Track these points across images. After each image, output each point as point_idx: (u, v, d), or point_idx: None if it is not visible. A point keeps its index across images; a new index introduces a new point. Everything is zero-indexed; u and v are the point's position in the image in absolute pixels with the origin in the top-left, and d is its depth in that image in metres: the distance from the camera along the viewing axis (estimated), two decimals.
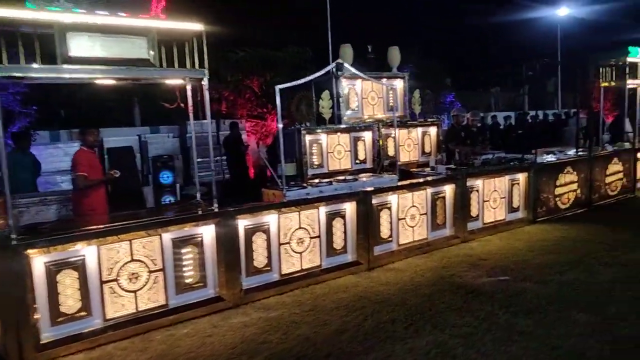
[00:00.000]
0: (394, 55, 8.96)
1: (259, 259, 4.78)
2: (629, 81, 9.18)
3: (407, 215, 6.00)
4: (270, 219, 4.86)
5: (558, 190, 7.69)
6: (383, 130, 8.62)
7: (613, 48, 10.16)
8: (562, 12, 27.14)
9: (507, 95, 31.10)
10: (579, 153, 8.30)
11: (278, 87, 5.14)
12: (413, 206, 6.06)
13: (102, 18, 3.75)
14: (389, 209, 5.80)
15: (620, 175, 8.87)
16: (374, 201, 5.61)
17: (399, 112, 9.08)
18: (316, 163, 7.86)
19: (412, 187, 6.03)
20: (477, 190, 6.76)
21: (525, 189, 7.36)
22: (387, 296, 4.60)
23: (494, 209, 7.02)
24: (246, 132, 15.65)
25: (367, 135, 8.38)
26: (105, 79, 4.19)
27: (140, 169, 14.40)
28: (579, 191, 8.05)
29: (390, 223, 5.83)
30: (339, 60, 5.61)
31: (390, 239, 5.84)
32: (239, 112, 16.95)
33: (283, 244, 4.95)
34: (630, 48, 9.20)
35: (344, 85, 8.21)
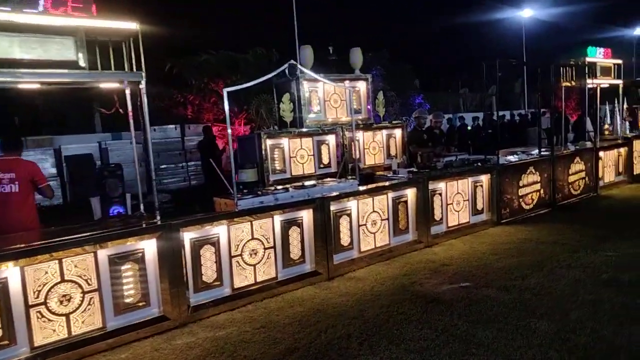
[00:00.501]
0: (357, 56, 8.79)
1: (208, 274, 4.48)
2: (588, 81, 9.26)
3: (368, 221, 5.79)
4: (219, 230, 4.56)
5: (521, 191, 7.64)
6: (347, 134, 8.45)
7: (575, 48, 10.27)
8: (526, 14, 27.73)
9: (476, 96, 31.57)
10: (542, 153, 8.29)
11: (226, 89, 4.86)
12: (374, 211, 5.86)
13: (19, 16, 3.41)
14: (349, 215, 5.58)
15: (583, 174, 8.91)
16: (332, 207, 5.38)
17: (363, 115, 8.95)
18: (278, 168, 7.61)
19: (372, 192, 5.83)
20: (440, 194, 6.62)
21: (489, 191, 7.27)
22: (345, 309, 4.37)
23: (458, 212, 6.89)
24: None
25: (331, 139, 8.18)
26: (28, 83, 3.82)
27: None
28: (542, 191, 8.02)
29: (350, 230, 5.61)
30: (292, 62, 5.36)
31: (350, 246, 5.62)
32: (205, 116, 16.54)
33: (234, 256, 4.66)
34: (589, 48, 9.28)
35: (305, 87, 8.00)
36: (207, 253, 4.46)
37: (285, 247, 5.04)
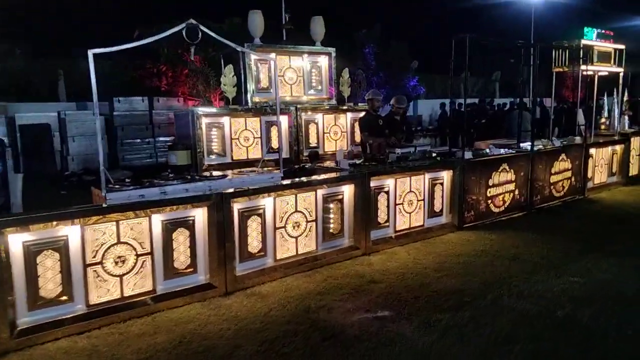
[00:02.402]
0: (318, 26, 7.68)
1: (49, 288, 3.51)
2: (583, 67, 8.09)
3: (288, 223, 4.79)
4: (69, 231, 3.58)
5: (491, 191, 6.59)
6: (303, 115, 7.42)
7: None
8: None
9: (478, 81, 30.06)
10: (526, 147, 7.18)
11: (91, 51, 3.81)
12: (297, 212, 4.85)
13: None
14: (261, 215, 4.58)
15: (568, 174, 7.82)
16: (238, 206, 4.38)
17: (324, 95, 7.89)
18: (216, 151, 6.65)
19: (296, 188, 4.82)
20: (387, 192, 5.59)
21: (450, 190, 6.23)
22: (218, 341, 3.41)
23: (409, 213, 5.87)
24: None
25: (283, 120, 7.15)
26: None
27: (60, 149, 12.89)
28: (516, 192, 6.97)
29: (263, 233, 4.61)
30: (191, 21, 4.28)
31: (262, 253, 4.63)
32: (180, 89, 15.48)
33: (91, 264, 3.69)
34: (585, 29, 8.09)
35: (253, 59, 6.95)
36: (48, 261, 3.49)
37: (167, 253, 4.05)
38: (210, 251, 4.22)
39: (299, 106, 7.23)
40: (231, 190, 4.35)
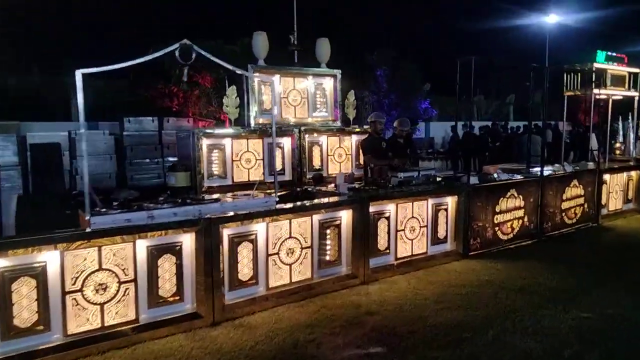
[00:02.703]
0: (324, 48, 7.62)
1: (24, 316, 3.37)
2: (595, 90, 7.86)
3: (281, 250, 4.61)
4: (48, 257, 3.46)
5: (498, 218, 6.33)
6: (307, 137, 7.30)
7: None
8: (551, 20, 25.94)
9: (492, 104, 29.80)
10: (536, 172, 6.93)
11: (79, 71, 3.75)
12: (291, 238, 4.67)
13: None
14: (252, 241, 4.41)
15: (581, 200, 7.52)
16: (226, 232, 4.22)
17: (329, 117, 7.78)
18: (216, 173, 6.56)
19: (290, 213, 4.64)
20: (387, 217, 5.39)
21: (455, 216, 5.99)
22: None
23: (412, 240, 5.65)
24: None
25: (286, 142, 7.06)
26: None
27: (69, 169, 12.97)
28: (526, 219, 6.69)
29: (255, 260, 4.43)
30: (185, 41, 4.22)
31: (253, 281, 4.44)
32: (190, 110, 15.61)
33: (70, 292, 3.55)
34: (598, 52, 7.89)
35: (257, 81, 6.90)
36: (24, 288, 3.36)
37: (152, 281, 3.90)
38: (197, 279, 4.05)
39: (302, 128, 7.11)
40: (221, 215, 4.20)
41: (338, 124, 7.61)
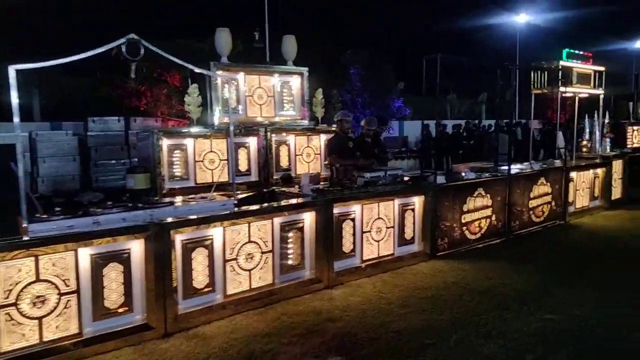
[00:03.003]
0: (290, 45, 7.43)
1: None
2: (562, 88, 7.89)
3: (239, 255, 4.40)
4: None
5: (466, 217, 6.26)
6: (274, 136, 7.09)
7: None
8: (521, 19, 26.32)
9: (465, 103, 30.08)
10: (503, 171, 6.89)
11: (12, 67, 3.48)
12: (251, 242, 4.47)
13: None
14: (208, 247, 4.19)
15: (548, 198, 7.53)
16: (179, 237, 3.99)
17: (296, 115, 7.60)
18: (178, 174, 6.30)
19: (248, 216, 4.44)
20: (352, 219, 5.24)
21: (422, 216, 5.89)
22: None
23: (378, 241, 5.51)
24: None
25: (252, 142, 6.84)
26: None
27: (30, 171, 12.44)
28: (493, 218, 6.64)
29: (210, 267, 4.22)
30: (132, 36, 3.97)
31: (209, 289, 4.23)
32: (159, 109, 15.18)
33: (3, 306, 3.27)
34: (564, 51, 7.92)
35: (219, 78, 6.67)
36: None
37: (97, 291, 3.65)
38: (147, 288, 3.81)
39: (269, 127, 6.91)
40: (173, 219, 3.97)
41: (306, 122, 7.43)
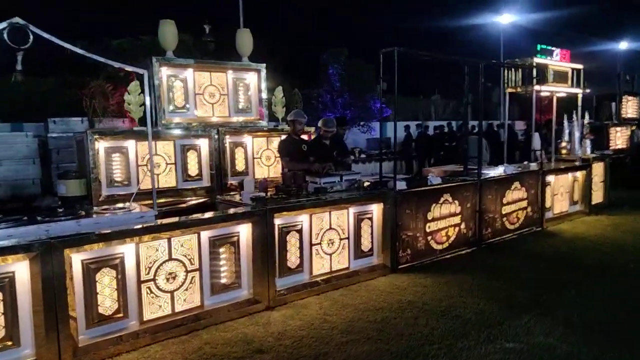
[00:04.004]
0: (245, 40, 6.87)
1: None
2: (537, 87, 7.40)
3: (158, 275, 3.81)
4: None
5: (431, 226, 5.72)
6: (228, 138, 6.52)
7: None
8: (505, 20, 26.01)
9: (449, 103, 29.64)
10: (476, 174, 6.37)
11: None
12: (172, 260, 3.89)
13: None
14: (116, 267, 3.60)
15: (524, 203, 7.03)
16: (78, 257, 3.40)
17: (253, 115, 7.04)
18: (118, 180, 5.70)
19: (168, 230, 3.85)
20: (299, 230, 4.68)
21: (381, 226, 5.34)
22: None
23: (330, 254, 4.96)
24: None
25: (203, 144, 6.28)
26: None
27: None
28: (463, 226, 6.12)
29: (122, 290, 3.62)
30: (17, 20, 3.37)
31: (120, 315, 3.63)
32: (127, 110, 14.51)
33: None
34: (538, 47, 7.43)
35: (164, 74, 6.12)
36: None
37: None
38: (35, 319, 3.21)
39: (222, 128, 6.34)
40: (68, 236, 3.37)
41: (264, 123, 6.88)
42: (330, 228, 4.95)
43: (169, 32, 6.19)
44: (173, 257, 3.87)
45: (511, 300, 4.41)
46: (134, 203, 4.38)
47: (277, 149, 6.07)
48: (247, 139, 6.67)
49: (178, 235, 3.88)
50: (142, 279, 3.72)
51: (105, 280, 3.53)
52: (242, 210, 4.32)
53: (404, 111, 24.71)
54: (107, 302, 3.55)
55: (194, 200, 6.08)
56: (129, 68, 4.47)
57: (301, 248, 4.71)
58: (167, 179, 6.05)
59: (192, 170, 6.24)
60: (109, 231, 3.51)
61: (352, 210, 5.12)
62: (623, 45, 26.12)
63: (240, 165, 6.64)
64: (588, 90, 8.81)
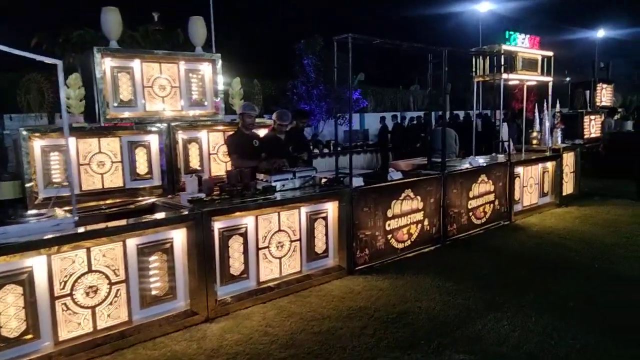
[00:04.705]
0: (198, 28, 6.44)
1: None
2: (504, 75, 7.13)
3: (76, 289, 3.44)
4: None
5: (391, 224, 5.43)
6: (180, 133, 6.12)
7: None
8: (483, 8, 25.79)
9: (429, 94, 29.31)
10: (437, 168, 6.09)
11: None
12: (92, 272, 3.51)
13: None
14: (23, 283, 3.20)
15: (491, 197, 6.78)
16: None
17: (208, 109, 6.63)
18: (57, 180, 5.27)
19: (87, 239, 3.47)
20: (243, 234, 4.33)
21: (337, 226, 5.02)
22: None
23: (280, 258, 4.63)
24: None
25: (153, 140, 5.86)
26: None
27: None
28: (426, 222, 5.84)
29: (30, 307, 3.24)
30: None
31: (29, 336, 3.25)
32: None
33: None
34: (506, 33, 7.15)
35: (108, 65, 5.68)
36: None
37: None
38: None
39: (173, 123, 5.93)
40: None
41: (220, 116, 6.47)
42: (280, 230, 4.61)
43: (112, 20, 5.75)
44: (93, 268, 3.50)
45: (469, 302, 4.14)
46: (58, 209, 3.98)
47: (226, 144, 5.70)
48: (202, 134, 6.28)
49: (99, 245, 3.50)
50: (55, 294, 3.34)
51: (9, 299, 3.15)
52: (173, 215, 3.95)
53: (383, 102, 24.44)
54: (12, 322, 3.17)
55: (146, 200, 5.70)
56: (39, 58, 4.03)
57: (246, 253, 4.37)
58: (113, 179, 5.63)
59: (141, 168, 5.83)
60: (11, 242, 3.12)
61: (305, 209, 4.79)
62: (600, 33, 26.13)
63: (194, 162, 6.25)
64: (568, 79, 8.60)
